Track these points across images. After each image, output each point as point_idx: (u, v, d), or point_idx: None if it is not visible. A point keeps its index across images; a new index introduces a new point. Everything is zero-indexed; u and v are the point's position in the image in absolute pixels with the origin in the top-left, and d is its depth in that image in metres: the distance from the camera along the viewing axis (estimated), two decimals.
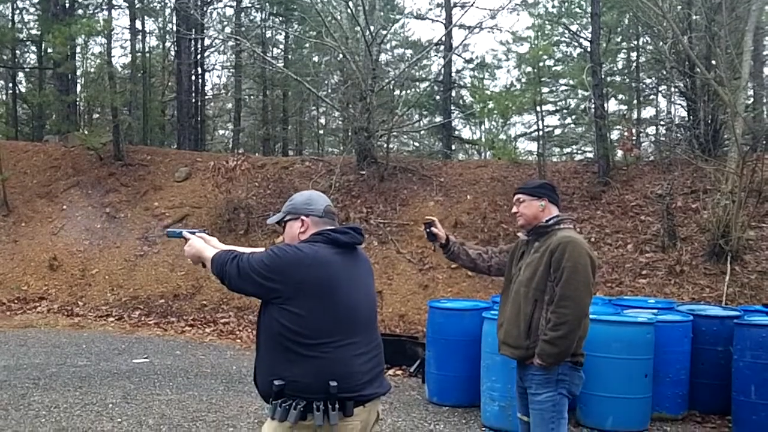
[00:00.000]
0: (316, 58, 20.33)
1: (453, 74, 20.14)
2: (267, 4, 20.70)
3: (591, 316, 3.81)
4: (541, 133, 14.01)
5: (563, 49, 17.60)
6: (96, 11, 19.14)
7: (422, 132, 21.71)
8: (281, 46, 22.34)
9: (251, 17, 21.71)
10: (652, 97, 18.71)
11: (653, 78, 16.57)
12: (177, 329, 10.43)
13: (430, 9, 22.41)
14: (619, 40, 17.01)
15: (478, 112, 16.46)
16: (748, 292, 9.08)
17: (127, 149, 15.57)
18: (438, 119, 19.99)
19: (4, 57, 19.78)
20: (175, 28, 19.59)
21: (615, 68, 17.82)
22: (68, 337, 9.69)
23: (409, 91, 17.40)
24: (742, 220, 9.67)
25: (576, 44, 16.12)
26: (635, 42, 16.81)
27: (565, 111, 20.02)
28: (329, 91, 19.70)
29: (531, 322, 3.58)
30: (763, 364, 5.49)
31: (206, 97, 22.11)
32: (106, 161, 15.11)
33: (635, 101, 18.03)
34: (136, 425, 5.74)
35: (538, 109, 14.21)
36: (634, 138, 14.63)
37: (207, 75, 22.27)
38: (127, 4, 18.05)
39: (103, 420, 5.85)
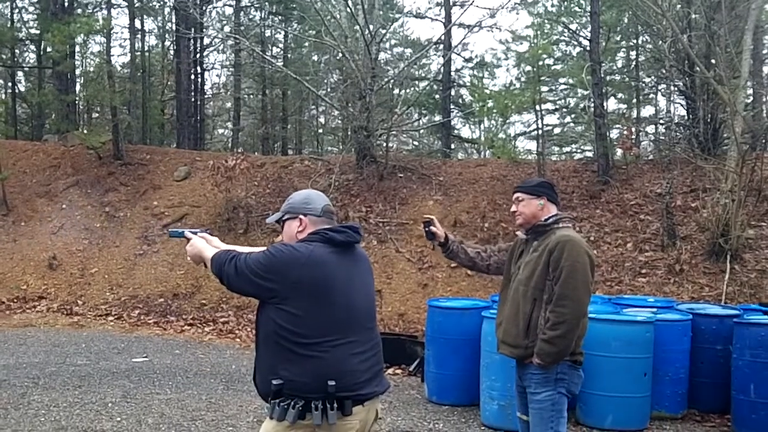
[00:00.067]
0: (315, 57, 20.32)
1: (452, 73, 20.12)
2: (266, 3, 20.68)
3: (590, 315, 3.82)
4: (540, 132, 14.00)
5: (563, 48, 17.61)
6: (95, 10, 19.13)
7: (421, 131, 21.69)
8: (280, 45, 22.33)
9: (250, 16, 21.72)
10: (651, 95, 18.73)
11: (653, 77, 16.56)
12: (176, 328, 10.43)
13: (430, 8, 22.41)
14: (618, 38, 17.01)
15: (477, 111, 16.46)
16: (748, 291, 9.08)
17: (127, 148, 15.55)
18: (437, 118, 19.99)
19: (3, 56, 19.74)
20: (174, 27, 19.60)
21: (614, 67, 17.83)
22: (68, 336, 9.69)
23: (408, 90, 17.38)
24: (741, 219, 9.67)
25: (575, 43, 16.13)
26: (635, 41, 16.80)
27: (564, 110, 20.03)
28: (328, 90, 19.69)
29: (530, 321, 3.57)
30: (763, 363, 5.49)
31: (205, 96, 22.09)
32: (105, 160, 15.10)
33: (635, 100, 18.04)
34: (136, 424, 5.74)
35: (538, 108, 14.20)
36: (633, 137, 14.63)
37: (206, 74, 22.24)
38: (126, 3, 18.03)
39: (102, 419, 5.85)
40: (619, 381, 5.64)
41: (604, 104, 14.19)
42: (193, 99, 19.64)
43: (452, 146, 20.89)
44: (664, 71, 13.40)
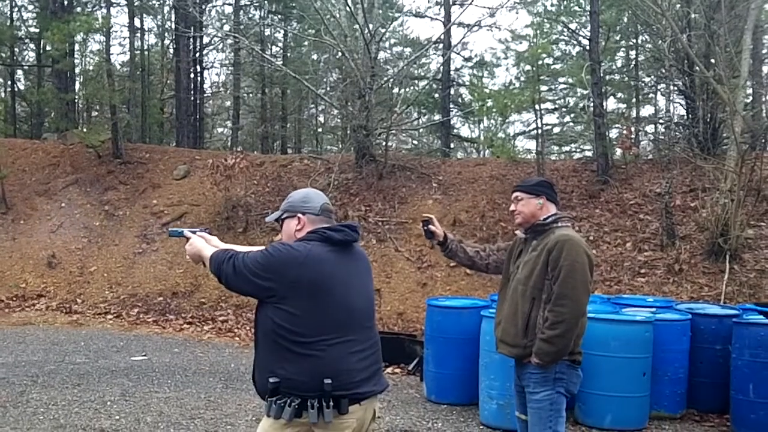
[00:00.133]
0: (314, 56, 20.28)
1: (452, 72, 20.12)
2: (266, 2, 20.67)
3: (589, 315, 3.81)
4: (539, 131, 14.00)
5: (562, 48, 17.59)
6: (94, 9, 19.07)
7: (421, 130, 21.69)
8: (280, 44, 22.32)
9: (250, 15, 21.70)
10: (651, 95, 18.72)
11: (652, 76, 16.56)
12: (175, 327, 10.43)
13: (429, 7, 22.34)
14: (618, 38, 16.98)
15: (476, 110, 16.43)
16: (747, 291, 9.08)
17: (126, 147, 15.55)
18: (437, 117, 19.98)
19: (3, 55, 19.72)
20: (173, 26, 19.57)
21: (614, 66, 17.81)
22: (67, 335, 9.69)
23: (407, 89, 17.35)
24: (740, 219, 9.67)
25: (575, 42, 16.11)
26: (634, 40, 16.79)
27: (564, 109, 20.02)
28: (328, 89, 19.69)
29: (528, 321, 3.57)
30: (762, 363, 5.49)
31: (205, 94, 22.08)
32: (104, 159, 15.09)
33: (634, 99, 18.03)
34: (134, 422, 5.73)
35: (537, 107, 14.20)
36: (633, 136, 14.63)
37: (206, 73, 22.19)
38: (125, 2, 17.99)
39: (101, 417, 5.85)
40: (618, 381, 5.64)
41: (604, 104, 14.19)
42: (192, 98, 19.62)
43: (451, 145, 20.89)
44: (663, 71, 13.40)
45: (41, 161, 15.16)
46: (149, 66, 21.03)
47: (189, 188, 14.12)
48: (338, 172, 13.25)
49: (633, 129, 15.31)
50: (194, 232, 3.03)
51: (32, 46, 21.09)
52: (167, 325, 10.52)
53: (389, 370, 7.66)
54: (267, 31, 21.23)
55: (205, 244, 2.94)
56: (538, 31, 15.50)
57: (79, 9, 17.45)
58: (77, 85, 18.59)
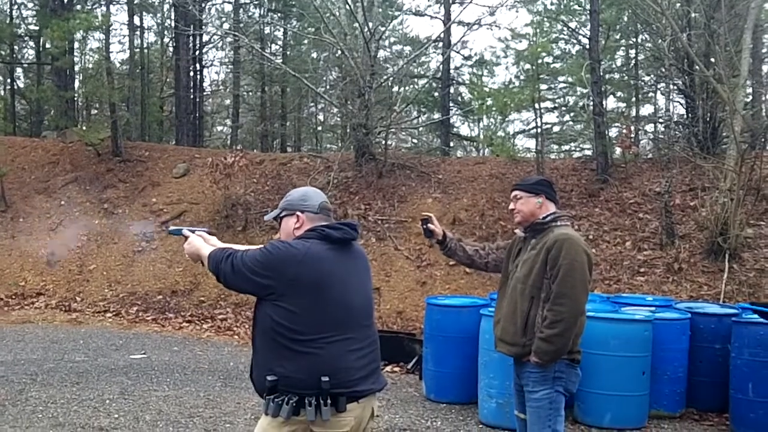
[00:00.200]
0: (314, 55, 20.28)
1: (451, 71, 20.10)
2: (265, 0, 20.65)
3: (589, 314, 3.81)
4: (539, 130, 13.99)
5: (562, 47, 17.57)
6: (94, 6, 19.06)
7: (420, 129, 21.69)
8: (280, 43, 22.29)
9: (250, 13, 21.69)
10: (650, 94, 18.72)
11: (652, 75, 16.55)
12: (174, 325, 10.43)
13: (429, 5, 22.26)
14: (618, 37, 16.97)
15: (476, 109, 16.42)
16: (746, 290, 9.08)
17: (125, 145, 15.54)
18: (436, 116, 19.96)
19: (2, 52, 19.72)
20: (173, 24, 19.55)
21: (614, 65, 17.80)
22: (66, 333, 9.69)
23: (407, 88, 17.34)
24: (740, 218, 9.67)
25: (575, 41, 16.10)
26: (634, 39, 16.77)
27: (563, 108, 19.97)
28: (327, 87, 19.65)
29: (527, 320, 3.57)
30: (761, 362, 5.49)
31: (204, 93, 22.07)
32: (104, 157, 15.08)
33: (634, 98, 18.01)
34: (133, 421, 5.73)
35: (537, 106, 14.18)
36: (632, 135, 14.61)
37: (205, 71, 22.14)
38: (125, 0, 18.01)
39: (100, 415, 5.85)
40: (617, 379, 5.64)
41: (604, 103, 14.18)
42: (192, 96, 19.62)
43: (451, 144, 20.87)
44: (663, 70, 13.39)
45: (41, 159, 15.15)
46: (149, 64, 21.01)
47: (188, 186, 14.11)
48: (338, 170, 13.25)
49: (633, 128, 15.29)
50: (193, 231, 3.04)
51: (32, 43, 21.09)
52: (166, 324, 10.51)
53: (388, 368, 7.65)
54: (267, 29, 21.19)
55: (203, 243, 2.94)
56: (537, 30, 15.50)
57: (78, 7, 17.44)
58: (77, 83, 18.59)
